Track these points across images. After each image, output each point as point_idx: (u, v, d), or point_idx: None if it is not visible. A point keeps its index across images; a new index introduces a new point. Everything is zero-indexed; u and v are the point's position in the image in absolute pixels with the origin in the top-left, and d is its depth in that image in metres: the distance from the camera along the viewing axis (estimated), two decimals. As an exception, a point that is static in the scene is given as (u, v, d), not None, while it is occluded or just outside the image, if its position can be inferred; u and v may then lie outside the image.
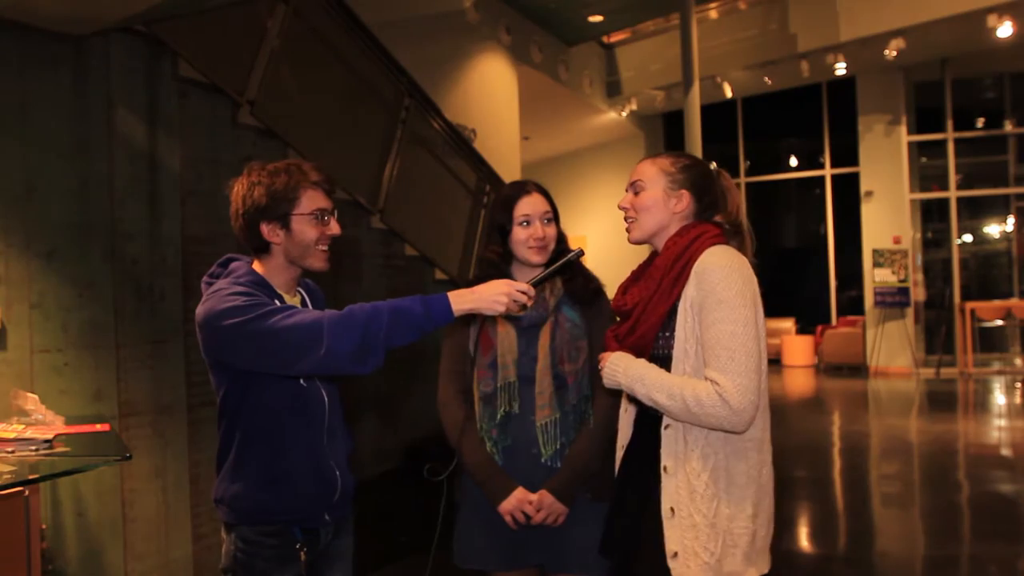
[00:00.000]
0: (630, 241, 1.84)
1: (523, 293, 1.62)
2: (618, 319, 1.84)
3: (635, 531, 1.76)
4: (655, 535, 1.69)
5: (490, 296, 1.59)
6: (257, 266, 1.80)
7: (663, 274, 1.72)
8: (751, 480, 1.66)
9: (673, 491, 1.67)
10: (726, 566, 1.63)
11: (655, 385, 1.65)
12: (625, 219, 1.83)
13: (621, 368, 1.71)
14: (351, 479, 1.87)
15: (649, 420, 1.79)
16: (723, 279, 1.63)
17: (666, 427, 1.70)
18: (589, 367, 2.05)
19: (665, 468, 1.69)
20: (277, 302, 1.70)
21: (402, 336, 1.55)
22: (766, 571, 1.70)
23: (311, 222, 1.75)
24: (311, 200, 1.75)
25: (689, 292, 1.67)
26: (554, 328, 2.05)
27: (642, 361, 1.71)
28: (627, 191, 1.84)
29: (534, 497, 1.98)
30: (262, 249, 1.78)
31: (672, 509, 1.67)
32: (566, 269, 1.90)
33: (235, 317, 1.59)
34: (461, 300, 1.58)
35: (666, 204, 1.77)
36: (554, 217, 2.12)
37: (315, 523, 1.79)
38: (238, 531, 1.75)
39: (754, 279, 1.68)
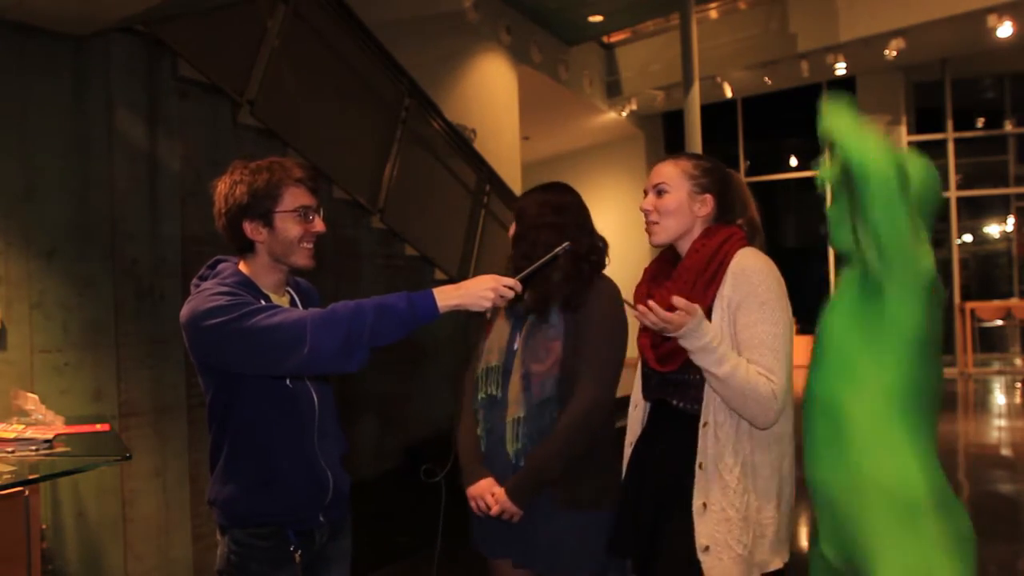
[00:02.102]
0: (653, 244, 1.85)
1: (510, 288, 1.60)
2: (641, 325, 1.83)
3: (657, 528, 1.77)
4: (683, 531, 1.70)
5: (476, 292, 1.57)
6: (244, 266, 1.79)
7: (696, 276, 1.75)
8: (774, 471, 1.72)
9: (705, 486, 1.70)
10: (756, 556, 1.69)
11: (725, 353, 1.65)
12: (648, 221, 1.84)
13: (695, 323, 1.64)
14: (346, 479, 1.86)
15: (670, 417, 1.80)
16: (763, 281, 1.70)
17: (704, 424, 1.72)
18: (559, 371, 2.00)
19: (700, 465, 1.71)
20: (263, 302, 1.69)
21: (387, 334, 1.52)
22: (787, 560, 1.75)
23: (294, 219, 1.73)
24: (294, 197, 1.73)
25: (725, 292, 1.72)
26: (532, 325, 2.05)
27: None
28: (647, 193, 1.84)
29: (497, 491, 2.00)
30: (247, 248, 1.77)
31: (704, 504, 1.70)
32: (551, 263, 1.85)
33: (217, 317, 1.58)
34: (447, 296, 1.56)
35: (691, 208, 1.80)
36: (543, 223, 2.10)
37: (309, 524, 1.78)
38: (231, 533, 1.75)
39: (783, 282, 1.75)
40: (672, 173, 1.82)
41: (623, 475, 1.97)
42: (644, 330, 1.82)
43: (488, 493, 2.00)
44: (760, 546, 1.69)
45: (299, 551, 1.75)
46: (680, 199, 1.79)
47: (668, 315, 1.63)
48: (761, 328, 1.67)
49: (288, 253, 1.75)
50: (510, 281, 1.61)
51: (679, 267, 1.80)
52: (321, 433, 1.80)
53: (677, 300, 1.64)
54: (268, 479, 1.72)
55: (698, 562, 1.68)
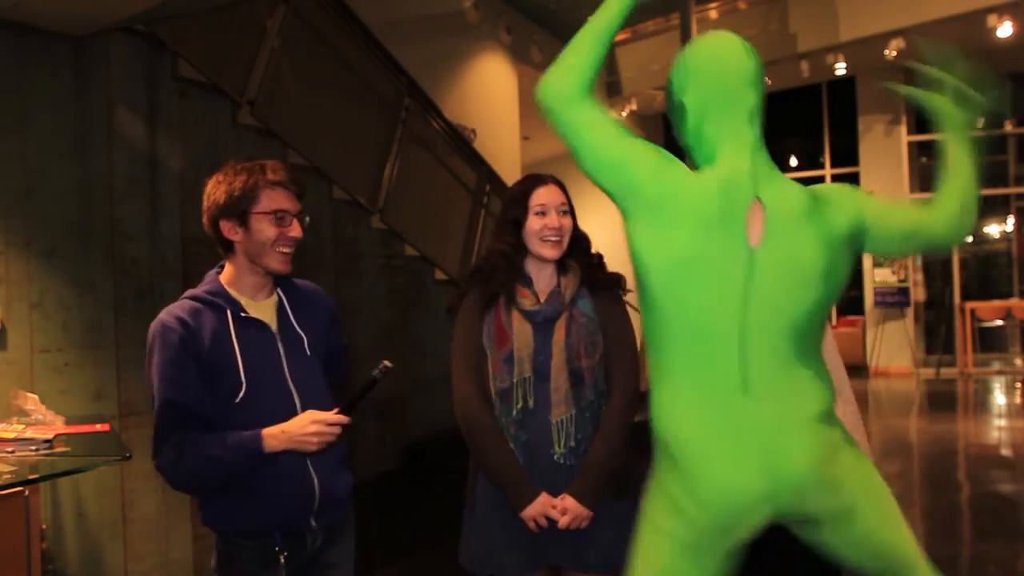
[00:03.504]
0: None
1: (333, 424, 1.66)
2: None
3: None
4: None
5: (299, 435, 1.66)
6: (227, 268, 1.82)
7: None
8: (844, 381, 1.96)
9: None
10: None
11: None
12: None
13: None
14: (341, 483, 1.84)
15: None
16: None
17: None
18: (604, 364, 2.03)
19: None
20: (229, 312, 1.74)
21: (210, 480, 1.71)
22: None
23: (270, 221, 1.74)
24: (271, 199, 1.75)
25: None
26: (569, 323, 2.01)
27: None
28: None
29: (557, 502, 1.94)
30: (228, 248, 1.79)
31: None
32: (371, 388, 1.77)
33: (150, 366, 1.71)
34: (273, 440, 1.66)
35: None
36: (571, 211, 2.10)
37: (299, 528, 1.78)
38: (221, 534, 1.78)
39: None
40: None
41: None
42: None
43: (549, 507, 1.93)
44: None
45: (284, 552, 1.75)
46: None
47: None
48: None
49: (261, 255, 1.76)
50: (332, 417, 1.67)
51: None
52: None
53: None
54: (248, 489, 1.72)
55: None
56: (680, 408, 1.45)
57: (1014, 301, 10.66)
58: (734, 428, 1.40)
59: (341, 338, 2.02)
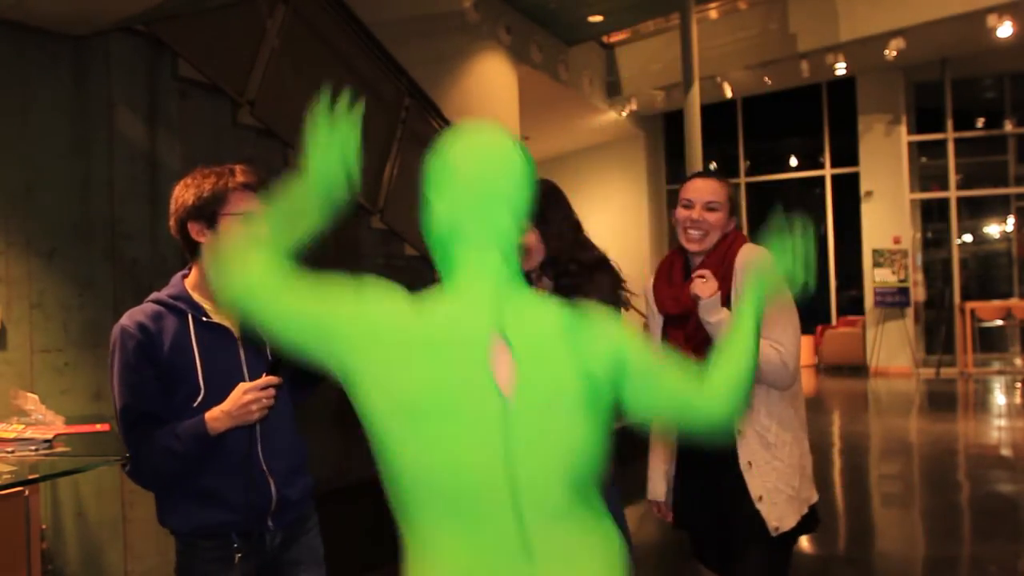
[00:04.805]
0: (695, 249, 2.11)
1: (265, 388, 1.68)
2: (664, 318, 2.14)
3: (715, 493, 2.04)
4: (739, 488, 1.98)
5: (237, 408, 1.67)
6: (192, 272, 1.83)
7: (712, 272, 2.04)
8: (799, 419, 2.06)
9: (747, 447, 1.99)
10: (803, 493, 2.02)
11: None
12: (695, 229, 2.09)
13: (724, 315, 1.97)
14: (299, 486, 1.85)
15: None
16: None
17: None
18: None
19: (739, 431, 1.99)
20: (190, 317, 1.75)
21: (169, 472, 1.74)
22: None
23: (238, 223, 1.73)
24: (240, 201, 1.76)
25: (737, 284, 2.01)
26: None
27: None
28: (694, 207, 2.08)
29: None
30: (194, 251, 1.80)
31: (749, 463, 1.98)
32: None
33: (112, 368, 1.73)
34: (216, 422, 1.68)
35: (727, 224, 2.13)
36: (544, 222, 2.09)
37: (256, 530, 1.78)
38: (179, 535, 1.79)
39: None
40: (721, 193, 2.12)
41: (674, 469, 2.18)
42: (675, 327, 2.07)
43: None
44: (805, 485, 2.02)
45: (239, 553, 1.76)
46: (723, 217, 2.10)
47: (708, 274, 1.97)
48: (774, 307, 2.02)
49: None
50: (262, 381, 1.68)
51: (699, 269, 2.07)
52: (267, 442, 1.78)
53: (703, 271, 1.98)
54: (202, 493, 1.74)
55: (757, 512, 1.96)
56: None
57: (1014, 301, 10.66)
58: None
59: None
